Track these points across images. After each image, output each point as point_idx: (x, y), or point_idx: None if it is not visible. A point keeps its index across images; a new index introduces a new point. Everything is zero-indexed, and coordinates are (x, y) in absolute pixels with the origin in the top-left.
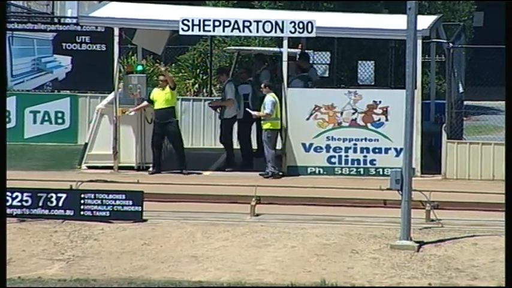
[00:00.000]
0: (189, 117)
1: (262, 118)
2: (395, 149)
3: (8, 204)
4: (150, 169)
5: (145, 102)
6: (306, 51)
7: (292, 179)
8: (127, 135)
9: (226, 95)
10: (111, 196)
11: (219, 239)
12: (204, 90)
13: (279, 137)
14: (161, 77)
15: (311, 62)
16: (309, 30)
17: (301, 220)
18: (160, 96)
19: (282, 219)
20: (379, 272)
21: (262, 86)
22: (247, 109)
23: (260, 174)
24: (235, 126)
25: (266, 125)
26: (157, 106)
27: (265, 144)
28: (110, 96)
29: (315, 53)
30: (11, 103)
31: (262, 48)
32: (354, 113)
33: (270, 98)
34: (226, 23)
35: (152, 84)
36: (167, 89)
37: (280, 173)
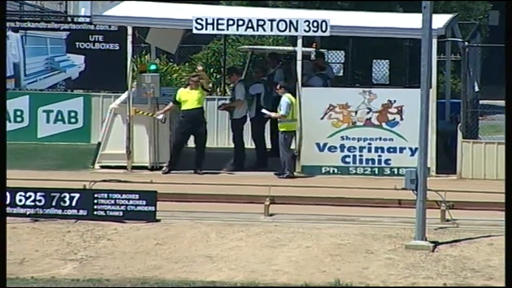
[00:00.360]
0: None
1: (278, 120)
2: (410, 148)
3: (21, 204)
4: (164, 168)
5: (171, 104)
6: (321, 50)
7: (307, 178)
8: (140, 135)
9: (236, 95)
10: (124, 196)
11: (233, 239)
12: (218, 90)
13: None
14: (195, 78)
15: (325, 61)
16: (323, 29)
17: (315, 220)
18: (191, 97)
19: (296, 219)
20: (394, 272)
21: (278, 87)
22: (263, 110)
23: (275, 174)
24: (248, 126)
25: (282, 128)
26: (188, 106)
27: (281, 146)
28: (123, 96)
29: (329, 52)
30: (24, 102)
31: (276, 47)
32: (368, 112)
33: (285, 99)
34: (240, 22)
35: (166, 84)
36: (200, 89)
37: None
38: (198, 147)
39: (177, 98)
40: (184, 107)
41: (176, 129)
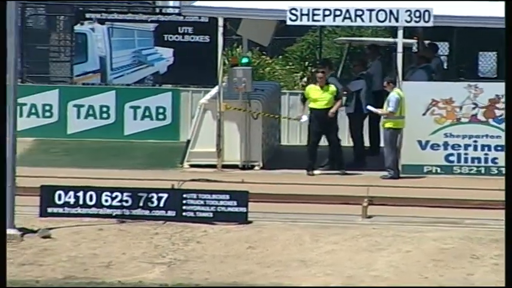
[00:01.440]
0: (297, 113)
1: (383, 116)
2: None
3: (107, 204)
4: (309, 171)
5: (306, 102)
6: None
7: (407, 178)
8: (231, 132)
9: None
10: (214, 196)
11: (328, 242)
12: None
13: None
14: (320, 73)
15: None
16: (426, 19)
17: (416, 223)
18: (321, 96)
19: (396, 221)
20: (501, 279)
21: (386, 83)
22: (368, 106)
23: (381, 178)
24: (346, 122)
25: (388, 124)
26: (316, 106)
27: (386, 144)
28: (214, 91)
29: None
30: (110, 98)
31: (375, 39)
32: (474, 108)
33: (394, 95)
34: (337, 12)
35: (258, 78)
36: (330, 86)
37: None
38: (331, 147)
39: (305, 95)
40: (312, 106)
41: (308, 128)
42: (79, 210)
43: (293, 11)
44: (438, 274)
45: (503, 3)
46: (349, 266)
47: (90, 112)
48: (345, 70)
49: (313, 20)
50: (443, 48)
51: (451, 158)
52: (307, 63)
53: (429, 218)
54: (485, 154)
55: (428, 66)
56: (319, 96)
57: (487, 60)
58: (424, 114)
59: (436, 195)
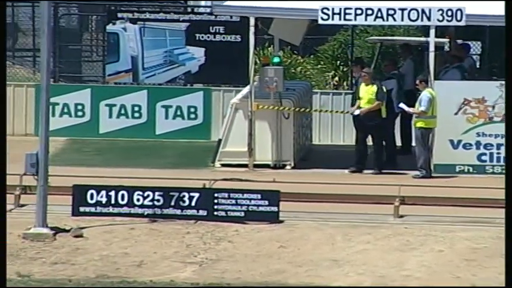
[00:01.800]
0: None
1: (415, 115)
2: None
3: (139, 203)
4: (351, 168)
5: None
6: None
7: (439, 178)
8: (263, 131)
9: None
10: (246, 196)
11: (360, 241)
12: (345, 84)
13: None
14: (365, 72)
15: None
16: (458, 18)
17: (449, 222)
18: (366, 94)
19: (428, 221)
20: None
21: (418, 81)
22: (401, 104)
23: (413, 177)
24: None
25: (419, 123)
26: (362, 104)
27: (417, 144)
28: (245, 90)
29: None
30: (142, 97)
31: (407, 38)
32: None
33: (426, 94)
34: (369, 11)
35: (289, 77)
36: (375, 85)
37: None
38: (373, 147)
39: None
40: (358, 103)
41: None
42: (111, 209)
43: (325, 10)
44: (470, 274)
45: None
46: (381, 266)
47: (122, 111)
48: (376, 70)
49: (345, 19)
50: (476, 47)
51: (483, 158)
52: (338, 62)
53: (461, 218)
54: None
55: (461, 65)
56: (362, 94)
57: None
58: (456, 114)
59: (468, 194)
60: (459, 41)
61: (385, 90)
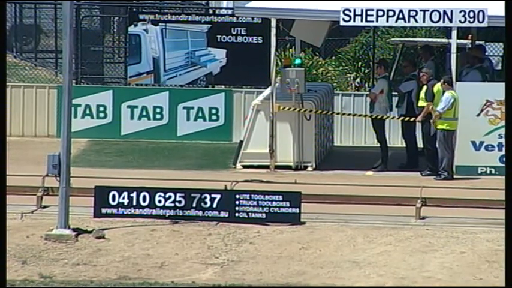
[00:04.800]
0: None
1: (437, 117)
2: None
3: (160, 205)
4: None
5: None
6: (477, 42)
7: (461, 179)
8: (284, 133)
9: (373, 88)
10: (267, 197)
11: (381, 243)
12: (366, 85)
13: None
14: (422, 73)
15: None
16: (480, 19)
17: (470, 224)
18: (420, 94)
19: (449, 222)
20: None
21: (441, 82)
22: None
23: (435, 179)
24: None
25: (441, 125)
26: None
27: (439, 145)
28: (266, 92)
29: (487, 44)
30: (163, 99)
31: (429, 40)
32: None
33: (447, 95)
34: (391, 13)
35: (311, 79)
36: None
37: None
38: (426, 147)
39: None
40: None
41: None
42: (132, 210)
43: (346, 12)
44: (493, 275)
45: None
46: (402, 267)
47: (144, 113)
48: (398, 71)
49: (367, 21)
50: (498, 48)
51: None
52: (360, 63)
53: (483, 219)
54: None
55: (482, 66)
56: (420, 95)
57: None
58: (478, 115)
59: (490, 196)
60: (466, 42)
61: (403, 91)
